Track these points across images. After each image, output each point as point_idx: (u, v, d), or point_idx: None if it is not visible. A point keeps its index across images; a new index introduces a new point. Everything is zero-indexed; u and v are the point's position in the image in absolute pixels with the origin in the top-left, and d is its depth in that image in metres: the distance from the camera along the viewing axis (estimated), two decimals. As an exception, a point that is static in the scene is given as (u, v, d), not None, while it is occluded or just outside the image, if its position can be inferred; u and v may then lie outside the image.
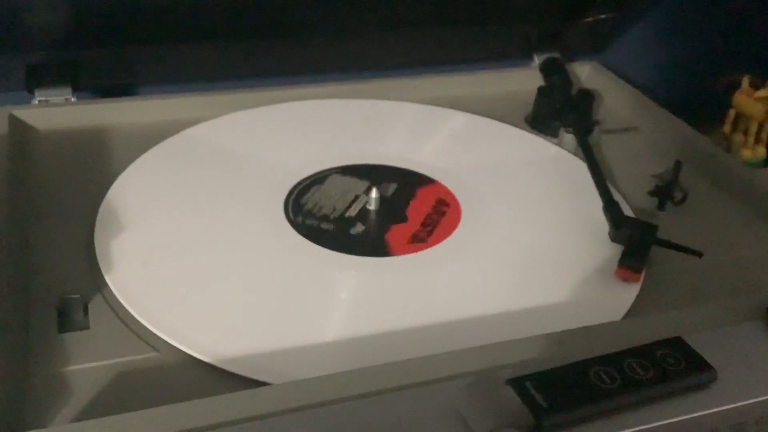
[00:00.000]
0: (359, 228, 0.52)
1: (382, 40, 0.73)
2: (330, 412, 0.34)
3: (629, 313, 0.46)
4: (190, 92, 0.66)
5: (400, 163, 0.59)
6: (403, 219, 0.53)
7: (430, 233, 0.52)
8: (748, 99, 0.73)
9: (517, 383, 0.35)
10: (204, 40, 0.68)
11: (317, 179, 0.57)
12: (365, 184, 0.56)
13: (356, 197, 0.55)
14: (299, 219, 0.52)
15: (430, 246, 0.51)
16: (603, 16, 0.78)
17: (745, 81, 0.74)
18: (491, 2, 0.73)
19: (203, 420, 0.34)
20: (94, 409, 0.38)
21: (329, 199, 0.54)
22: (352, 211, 0.54)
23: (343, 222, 0.52)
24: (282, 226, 0.52)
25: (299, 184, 0.56)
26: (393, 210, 0.54)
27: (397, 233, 0.52)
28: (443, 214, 0.54)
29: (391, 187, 0.56)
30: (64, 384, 0.40)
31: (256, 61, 0.71)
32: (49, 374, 0.40)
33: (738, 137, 0.74)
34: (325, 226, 0.52)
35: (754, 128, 0.73)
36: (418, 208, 0.54)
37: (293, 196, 0.54)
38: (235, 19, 0.67)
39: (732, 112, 0.74)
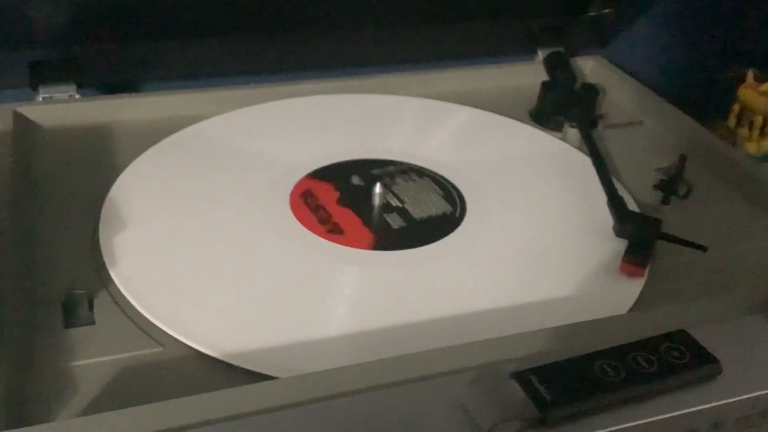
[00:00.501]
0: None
1: (386, 35, 0.73)
2: (336, 406, 0.34)
3: (634, 308, 0.46)
4: (194, 89, 0.66)
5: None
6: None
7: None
8: (753, 92, 0.73)
9: (522, 377, 0.35)
10: (207, 37, 0.68)
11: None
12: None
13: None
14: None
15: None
16: (607, 11, 0.78)
17: (750, 75, 0.74)
18: (495, -3, 0.73)
19: (209, 414, 0.34)
20: (99, 404, 0.38)
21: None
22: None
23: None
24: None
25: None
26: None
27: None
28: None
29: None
30: (70, 379, 0.40)
31: (260, 58, 0.72)
32: (55, 369, 0.40)
33: (743, 131, 0.74)
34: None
35: (758, 122, 0.72)
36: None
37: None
38: (238, 15, 0.67)
39: (737, 106, 0.74)
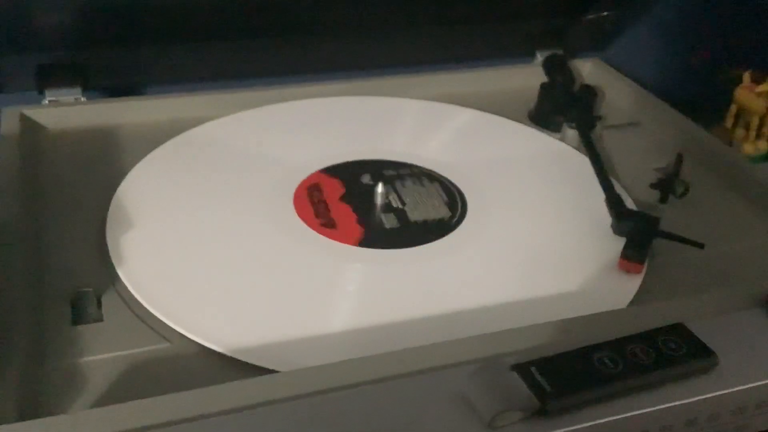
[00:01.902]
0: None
1: (387, 38, 0.74)
2: (340, 398, 0.35)
3: (632, 304, 0.47)
4: (197, 91, 0.67)
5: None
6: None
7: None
8: (750, 94, 0.73)
9: (523, 368, 0.35)
10: (211, 41, 0.69)
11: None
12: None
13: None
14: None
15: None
16: (605, 13, 0.79)
17: (747, 76, 0.75)
18: (495, 0, 0.74)
19: (215, 406, 0.35)
20: (108, 399, 0.39)
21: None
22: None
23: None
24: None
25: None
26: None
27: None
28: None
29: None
30: (79, 374, 0.41)
31: (263, 61, 0.72)
32: (65, 365, 0.41)
33: (739, 132, 0.74)
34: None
35: (755, 123, 0.73)
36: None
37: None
38: (243, 19, 0.68)
39: (733, 107, 0.75)
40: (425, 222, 0.53)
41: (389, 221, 0.53)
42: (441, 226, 0.53)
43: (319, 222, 0.52)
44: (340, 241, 0.51)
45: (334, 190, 0.56)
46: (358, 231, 0.52)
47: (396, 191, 0.56)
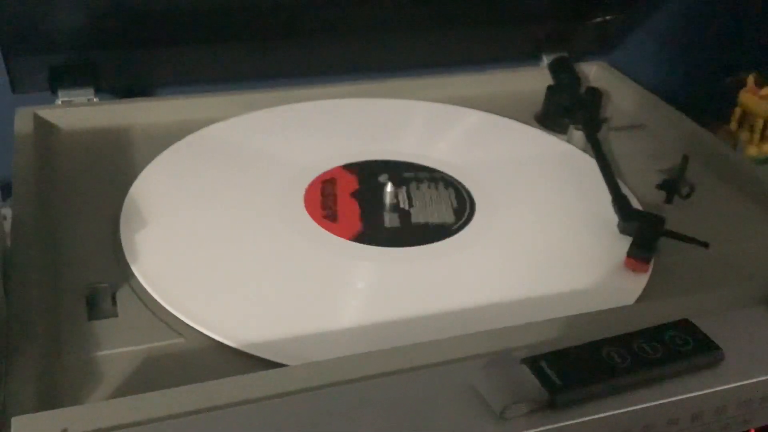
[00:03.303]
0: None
1: (395, 41, 0.75)
2: (350, 390, 0.35)
3: (638, 302, 0.47)
4: (207, 93, 0.68)
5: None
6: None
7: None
8: (754, 97, 0.74)
9: (532, 362, 0.36)
10: (220, 43, 0.70)
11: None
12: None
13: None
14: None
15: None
16: (610, 17, 0.80)
17: (751, 79, 0.76)
18: (502, 4, 0.75)
19: (228, 398, 0.35)
20: (122, 392, 0.40)
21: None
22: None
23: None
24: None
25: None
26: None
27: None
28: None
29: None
30: (94, 368, 0.41)
31: (271, 62, 0.73)
32: (81, 359, 0.42)
33: (744, 135, 0.75)
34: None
35: (759, 125, 0.74)
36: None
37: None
38: (250, 21, 0.69)
39: (738, 110, 0.75)
40: (426, 225, 0.54)
41: (391, 220, 0.54)
42: (440, 231, 0.53)
43: (323, 214, 0.53)
44: (336, 234, 0.52)
45: (347, 185, 0.57)
46: (357, 226, 0.53)
47: (408, 193, 0.57)
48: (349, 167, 0.59)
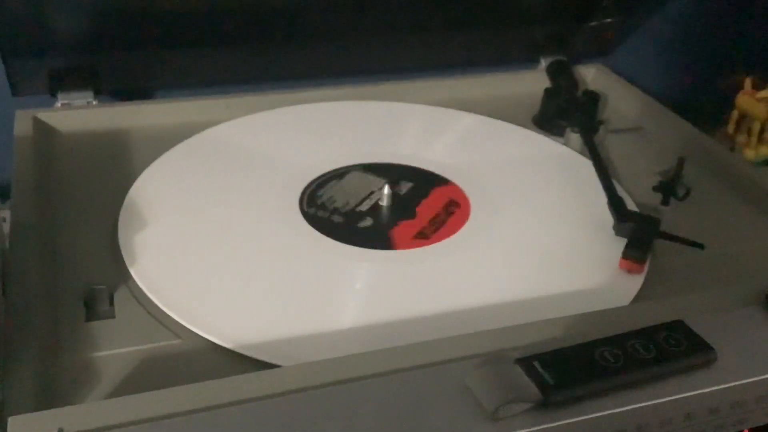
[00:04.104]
0: (368, 222, 0.54)
1: (395, 44, 0.75)
2: (344, 391, 0.36)
3: (633, 303, 0.47)
4: (207, 95, 0.68)
5: (415, 162, 0.61)
6: (411, 216, 0.55)
7: (436, 230, 0.53)
8: (751, 99, 0.74)
9: (526, 362, 0.36)
10: (220, 46, 0.70)
11: (336, 174, 0.59)
12: (381, 181, 0.58)
13: (371, 193, 0.57)
14: (312, 211, 0.54)
15: (434, 242, 0.52)
16: (608, 20, 0.80)
17: (748, 82, 0.76)
18: (500, 6, 0.75)
19: (223, 398, 0.36)
20: (119, 392, 0.40)
21: (344, 194, 0.56)
22: (364, 206, 0.55)
23: (353, 216, 0.54)
24: (294, 217, 0.54)
25: (318, 178, 0.58)
26: (404, 207, 0.56)
27: (403, 229, 0.54)
28: (452, 213, 0.55)
29: (406, 185, 0.58)
30: (91, 368, 0.42)
31: (270, 65, 0.73)
32: (78, 360, 0.42)
33: (741, 137, 0.75)
34: (335, 218, 0.54)
35: (756, 128, 0.74)
36: (429, 206, 0.56)
37: (310, 190, 0.57)
38: (250, 24, 0.69)
39: (735, 113, 0.75)
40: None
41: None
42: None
43: None
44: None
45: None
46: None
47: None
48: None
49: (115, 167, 0.60)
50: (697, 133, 0.66)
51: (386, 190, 0.56)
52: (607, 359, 0.37)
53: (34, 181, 0.54)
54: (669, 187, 0.59)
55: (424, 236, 0.53)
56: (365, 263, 0.50)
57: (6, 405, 0.37)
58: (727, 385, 0.37)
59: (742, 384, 0.37)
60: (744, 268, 0.52)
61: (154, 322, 0.45)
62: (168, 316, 0.45)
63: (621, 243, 0.51)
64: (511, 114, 0.70)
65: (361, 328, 0.45)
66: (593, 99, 0.69)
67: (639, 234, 0.51)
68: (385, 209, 0.55)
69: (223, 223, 0.53)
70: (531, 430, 0.34)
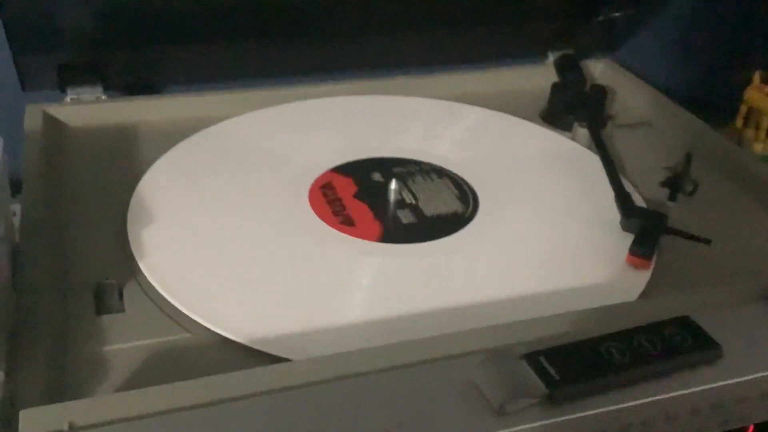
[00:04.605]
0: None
1: (401, 38, 0.75)
2: (353, 385, 0.36)
3: (640, 298, 0.47)
4: (215, 90, 0.68)
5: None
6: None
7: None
8: (760, 94, 0.74)
9: (532, 357, 0.36)
10: (228, 41, 0.70)
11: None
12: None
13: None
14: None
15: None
16: (616, 14, 0.80)
17: (757, 76, 0.76)
18: (507, 1, 0.75)
19: (233, 392, 0.36)
20: (129, 386, 0.40)
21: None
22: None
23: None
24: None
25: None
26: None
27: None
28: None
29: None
30: (101, 362, 0.42)
31: (278, 60, 0.74)
32: (88, 353, 0.42)
33: (749, 132, 0.75)
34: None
35: (765, 123, 0.74)
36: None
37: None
38: (257, 20, 0.69)
39: (744, 108, 0.75)
40: (440, 216, 0.54)
41: (406, 217, 0.54)
42: (456, 220, 0.54)
43: (338, 220, 0.53)
44: (361, 237, 0.52)
45: (347, 188, 0.57)
46: (377, 227, 0.53)
47: (408, 187, 0.57)
48: (338, 170, 0.59)
49: (124, 161, 0.60)
50: (705, 127, 0.66)
51: (393, 184, 0.56)
52: (612, 354, 0.37)
53: (44, 175, 0.55)
54: (676, 183, 0.59)
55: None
56: (376, 258, 0.51)
57: (17, 398, 0.37)
58: (732, 381, 0.37)
59: (747, 380, 0.38)
60: (751, 264, 0.52)
61: (164, 317, 0.45)
62: (177, 310, 0.45)
63: (628, 238, 0.51)
64: (518, 108, 0.70)
65: (371, 322, 0.45)
66: (601, 94, 0.69)
67: (646, 230, 0.51)
68: (392, 204, 0.56)
69: (232, 217, 0.54)
70: (537, 424, 0.34)
